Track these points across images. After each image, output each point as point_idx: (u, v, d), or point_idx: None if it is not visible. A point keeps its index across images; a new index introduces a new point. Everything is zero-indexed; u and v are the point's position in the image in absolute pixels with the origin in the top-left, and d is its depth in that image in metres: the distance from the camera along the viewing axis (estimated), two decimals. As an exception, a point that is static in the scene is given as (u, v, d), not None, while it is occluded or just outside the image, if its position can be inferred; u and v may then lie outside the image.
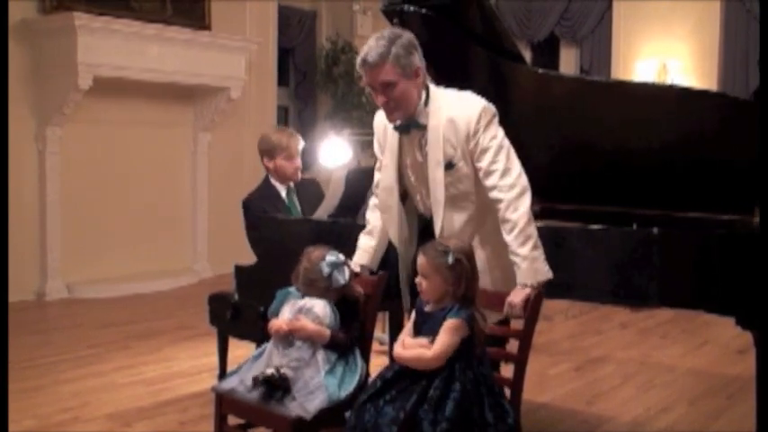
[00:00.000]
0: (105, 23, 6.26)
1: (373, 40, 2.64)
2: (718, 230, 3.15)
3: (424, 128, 2.72)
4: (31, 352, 4.82)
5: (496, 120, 2.69)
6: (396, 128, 2.77)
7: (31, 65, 6.31)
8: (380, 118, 2.85)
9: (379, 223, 2.93)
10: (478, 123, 2.63)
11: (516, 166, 2.64)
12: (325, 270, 2.68)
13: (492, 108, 2.69)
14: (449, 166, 2.68)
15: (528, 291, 2.53)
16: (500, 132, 2.68)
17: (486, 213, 2.73)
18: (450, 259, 2.41)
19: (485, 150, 2.64)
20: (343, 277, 2.71)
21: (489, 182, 2.63)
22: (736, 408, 4.05)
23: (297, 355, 2.61)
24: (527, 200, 2.60)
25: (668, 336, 5.62)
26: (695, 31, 7.53)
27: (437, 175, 2.69)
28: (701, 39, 7.52)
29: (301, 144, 3.89)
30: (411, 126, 2.73)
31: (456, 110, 2.67)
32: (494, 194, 2.62)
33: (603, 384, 4.48)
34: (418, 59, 2.66)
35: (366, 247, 2.94)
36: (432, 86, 2.75)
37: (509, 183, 2.60)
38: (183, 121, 7.52)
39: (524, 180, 2.63)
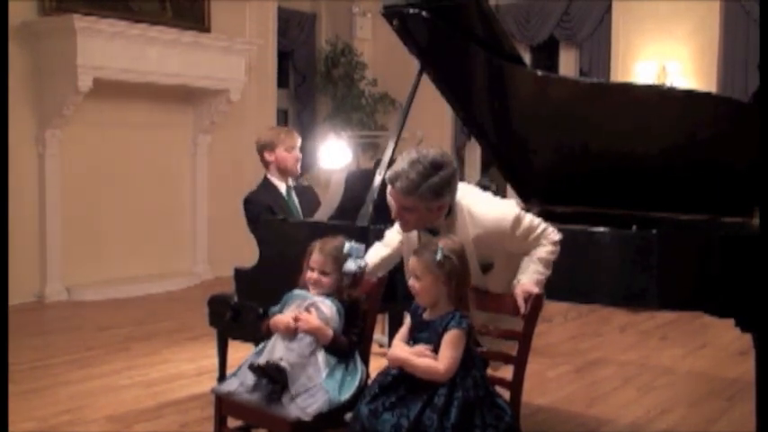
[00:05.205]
0: (105, 25, 6.26)
1: (408, 162, 2.50)
2: (717, 232, 3.15)
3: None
4: (30, 354, 4.82)
5: (524, 214, 2.67)
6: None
7: (31, 67, 6.31)
8: None
9: (385, 253, 2.88)
10: (514, 230, 2.60)
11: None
12: (347, 247, 2.70)
13: (520, 211, 2.65)
14: (486, 268, 2.65)
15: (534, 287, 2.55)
16: (528, 217, 2.66)
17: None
18: (439, 255, 2.39)
19: (532, 239, 2.64)
20: (356, 265, 2.71)
21: (536, 241, 2.66)
22: (736, 410, 4.06)
23: (298, 348, 2.60)
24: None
25: (668, 338, 5.62)
26: (695, 33, 7.52)
27: (478, 282, 2.62)
28: (700, 41, 7.51)
29: (299, 139, 4.05)
30: (429, 231, 2.67)
31: (484, 226, 2.60)
32: (540, 241, 2.66)
33: (603, 386, 4.48)
34: (448, 198, 2.56)
35: (373, 254, 2.91)
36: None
37: (551, 231, 2.66)
38: (183, 123, 7.52)
39: None
